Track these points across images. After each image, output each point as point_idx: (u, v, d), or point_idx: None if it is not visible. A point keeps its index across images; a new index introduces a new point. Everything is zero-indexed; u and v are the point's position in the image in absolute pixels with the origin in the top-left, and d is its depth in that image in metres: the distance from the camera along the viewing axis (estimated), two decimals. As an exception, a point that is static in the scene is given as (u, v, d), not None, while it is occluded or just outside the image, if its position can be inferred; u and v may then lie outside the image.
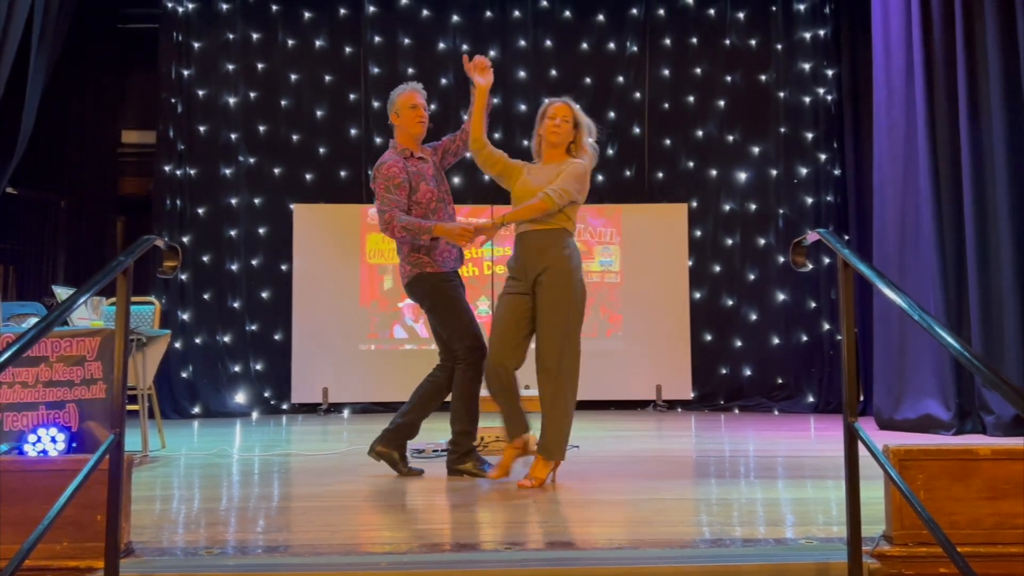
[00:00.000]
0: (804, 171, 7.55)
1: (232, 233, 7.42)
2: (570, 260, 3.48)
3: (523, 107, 7.57)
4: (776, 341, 7.45)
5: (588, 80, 7.64)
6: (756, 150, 7.60)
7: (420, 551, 2.34)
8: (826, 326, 7.39)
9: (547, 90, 7.63)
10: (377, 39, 7.61)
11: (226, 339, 7.33)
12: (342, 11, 7.61)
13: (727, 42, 7.65)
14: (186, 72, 7.45)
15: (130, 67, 7.85)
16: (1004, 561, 2.22)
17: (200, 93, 7.46)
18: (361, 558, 2.27)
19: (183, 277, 7.27)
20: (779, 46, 7.62)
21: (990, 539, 2.24)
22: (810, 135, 7.56)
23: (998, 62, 5.04)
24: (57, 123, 7.33)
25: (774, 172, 7.57)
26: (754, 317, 7.51)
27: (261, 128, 7.50)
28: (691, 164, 7.62)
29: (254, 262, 7.44)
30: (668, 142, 7.63)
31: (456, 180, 7.44)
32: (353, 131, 7.57)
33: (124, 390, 2.20)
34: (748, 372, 7.46)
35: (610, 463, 4.17)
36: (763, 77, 7.64)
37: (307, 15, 7.60)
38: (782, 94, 7.59)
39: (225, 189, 7.43)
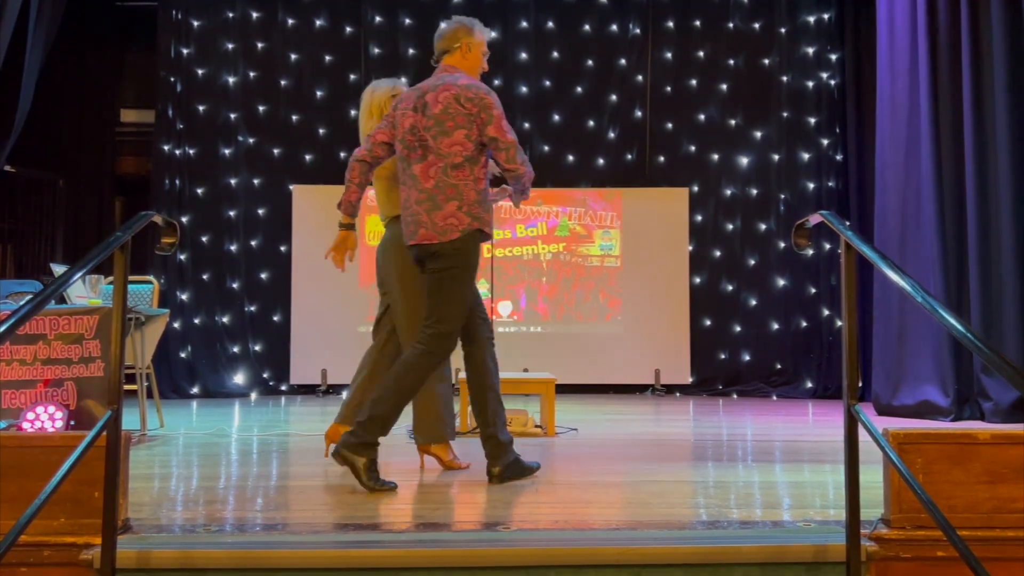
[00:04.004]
0: (806, 156, 7.52)
1: (231, 213, 7.40)
2: None
3: (524, 89, 7.53)
4: (775, 326, 7.45)
5: (590, 62, 7.59)
6: (758, 134, 7.57)
7: (417, 530, 2.34)
8: (825, 312, 7.38)
9: (549, 72, 7.60)
10: (377, 19, 7.56)
11: (225, 320, 7.33)
12: (342, -10, 7.56)
13: (730, 25, 7.59)
14: (185, 51, 7.40)
15: (128, 45, 7.79)
16: (1002, 545, 2.22)
17: (199, 72, 7.41)
18: (358, 536, 2.27)
19: (182, 257, 7.26)
20: (783, 30, 7.57)
21: (988, 523, 2.24)
22: (812, 120, 7.53)
23: (1003, 46, 5.01)
24: (55, 101, 7.29)
25: (776, 157, 7.54)
26: (754, 302, 7.50)
27: (260, 108, 7.46)
28: (692, 148, 7.59)
29: (253, 243, 7.43)
30: (670, 126, 7.59)
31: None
32: (353, 112, 7.52)
33: (121, 366, 2.19)
34: (747, 357, 7.46)
35: (608, 446, 4.17)
36: (766, 61, 7.59)
37: (307, -6, 7.54)
38: (785, 78, 7.55)
39: (224, 169, 7.40)
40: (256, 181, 7.45)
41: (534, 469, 3.19)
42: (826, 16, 7.55)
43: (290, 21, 7.52)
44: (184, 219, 7.28)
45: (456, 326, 3.03)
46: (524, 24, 7.58)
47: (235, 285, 7.37)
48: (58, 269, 4.65)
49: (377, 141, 3.16)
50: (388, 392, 2.96)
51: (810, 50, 7.55)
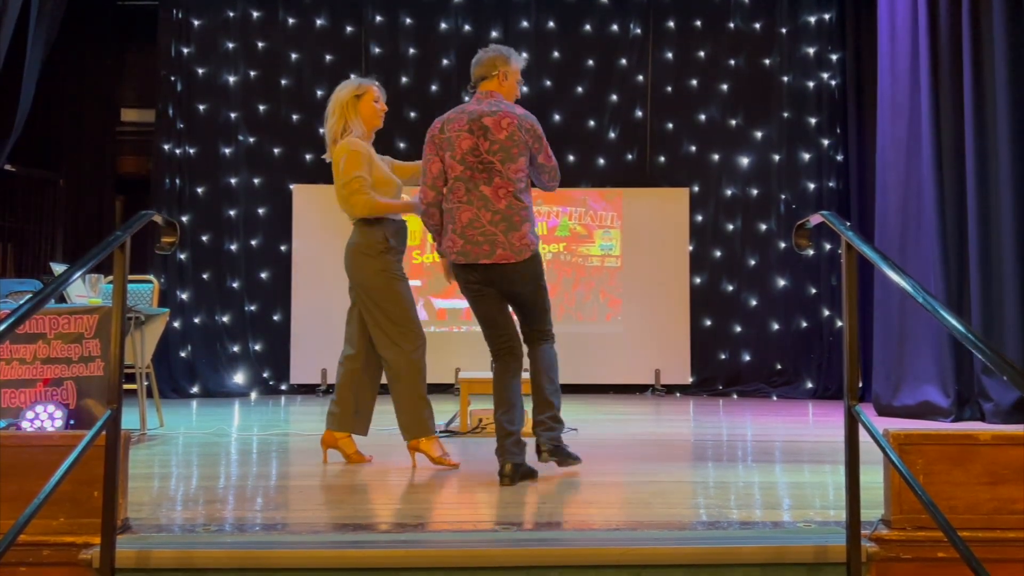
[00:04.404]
0: (807, 156, 7.51)
1: (231, 213, 7.40)
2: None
3: (524, 89, 7.47)
4: (776, 327, 7.45)
5: (590, 62, 7.58)
6: (759, 135, 7.56)
7: (417, 530, 2.34)
8: (826, 312, 7.38)
9: (549, 72, 7.59)
10: (378, 19, 7.55)
11: (225, 319, 7.33)
12: (343, -10, 7.55)
13: (731, 25, 7.59)
14: (186, 50, 7.39)
15: (129, 44, 7.79)
16: (1002, 546, 2.22)
17: (200, 71, 7.41)
18: (358, 536, 2.27)
19: (182, 256, 7.26)
20: (783, 30, 7.57)
21: (989, 524, 2.24)
22: (813, 120, 7.52)
23: (1004, 47, 5.01)
24: (55, 100, 7.29)
25: (776, 157, 7.53)
26: (754, 302, 7.50)
27: (261, 107, 7.45)
28: (693, 148, 7.59)
29: (253, 242, 7.42)
30: (670, 126, 7.59)
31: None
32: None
33: (121, 364, 2.19)
34: (747, 357, 7.46)
35: (608, 446, 4.17)
36: (767, 61, 7.58)
37: (308, -7, 7.54)
38: (786, 78, 7.54)
39: (225, 168, 7.39)
40: (256, 180, 7.44)
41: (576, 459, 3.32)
42: (827, 16, 7.54)
43: (291, 20, 7.52)
44: (184, 218, 7.27)
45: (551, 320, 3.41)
46: (525, 24, 7.57)
47: (235, 284, 7.37)
48: (58, 268, 4.65)
49: (435, 174, 3.28)
50: (553, 388, 3.26)
51: (811, 50, 7.54)
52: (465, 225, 3.20)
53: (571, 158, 7.58)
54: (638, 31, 7.59)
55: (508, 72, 3.40)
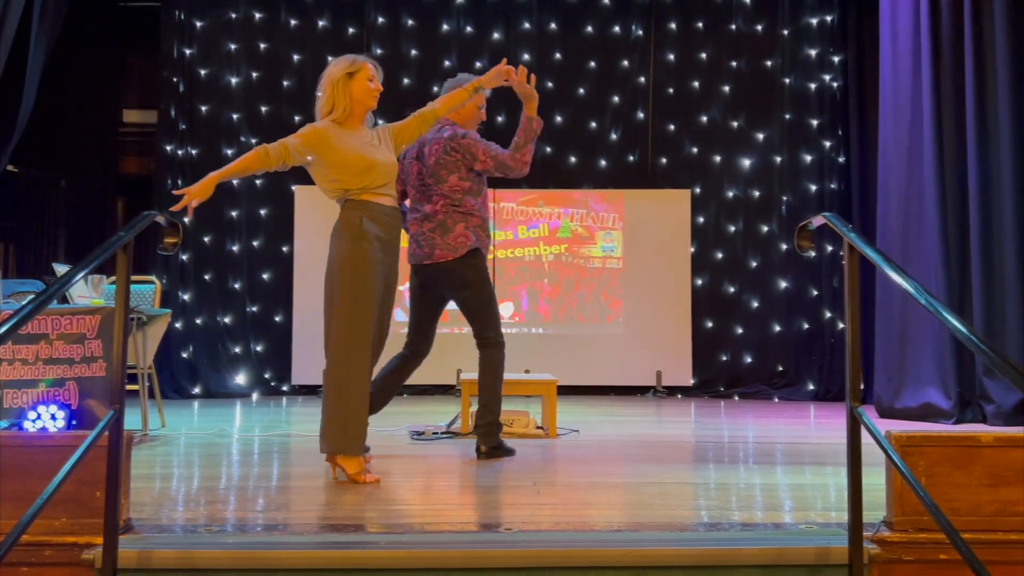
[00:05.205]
0: (808, 158, 7.51)
1: (233, 214, 7.40)
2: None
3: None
4: (777, 328, 7.45)
5: (592, 64, 7.59)
6: (760, 136, 7.56)
7: (418, 531, 2.34)
8: (827, 314, 7.37)
9: (551, 74, 7.59)
10: (380, 20, 7.56)
11: (227, 320, 7.33)
12: (345, -9, 7.56)
13: (732, 27, 7.59)
14: (188, 51, 7.40)
15: (131, 46, 7.80)
16: (1004, 548, 2.22)
17: (202, 72, 7.42)
18: (359, 537, 2.27)
19: (184, 257, 7.26)
20: (785, 31, 7.57)
21: (990, 526, 2.24)
22: (815, 122, 7.52)
23: (1006, 49, 5.00)
24: (57, 101, 7.30)
25: (778, 159, 7.53)
26: (755, 304, 7.50)
27: (263, 108, 7.46)
28: (695, 150, 7.59)
29: (255, 243, 7.43)
30: (672, 127, 7.59)
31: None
32: (355, 113, 7.52)
33: (124, 366, 2.19)
34: (749, 359, 7.46)
35: (609, 447, 4.17)
36: (768, 63, 7.58)
37: (310, -5, 7.54)
38: (787, 80, 7.54)
39: (226, 169, 7.39)
40: (258, 181, 7.45)
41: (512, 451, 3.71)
42: (829, 18, 7.54)
43: (292, 22, 7.52)
44: (186, 219, 7.26)
45: (499, 327, 3.63)
46: (527, 25, 7.58)
47: (237, 285, 7.37)
48: (60, 269, 4.66)
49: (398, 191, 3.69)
50: (492, 394, 3.61)
51: (812, 52, 7.54)
52: (414, 233, 3.65)
53: (572, 159, 7.58)
54: (640, 32, 7.60)
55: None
